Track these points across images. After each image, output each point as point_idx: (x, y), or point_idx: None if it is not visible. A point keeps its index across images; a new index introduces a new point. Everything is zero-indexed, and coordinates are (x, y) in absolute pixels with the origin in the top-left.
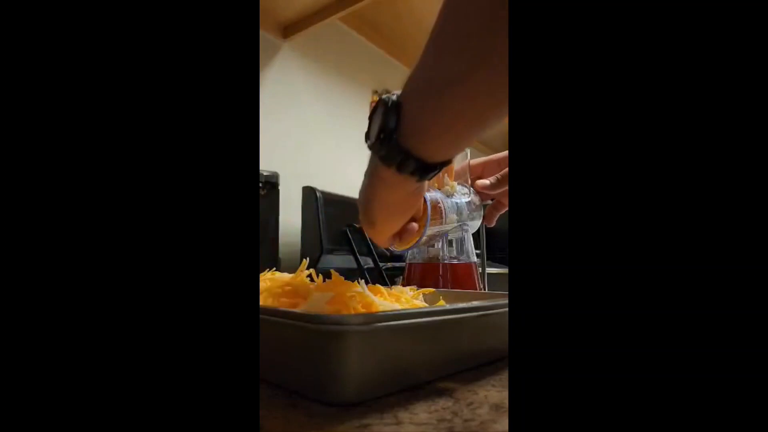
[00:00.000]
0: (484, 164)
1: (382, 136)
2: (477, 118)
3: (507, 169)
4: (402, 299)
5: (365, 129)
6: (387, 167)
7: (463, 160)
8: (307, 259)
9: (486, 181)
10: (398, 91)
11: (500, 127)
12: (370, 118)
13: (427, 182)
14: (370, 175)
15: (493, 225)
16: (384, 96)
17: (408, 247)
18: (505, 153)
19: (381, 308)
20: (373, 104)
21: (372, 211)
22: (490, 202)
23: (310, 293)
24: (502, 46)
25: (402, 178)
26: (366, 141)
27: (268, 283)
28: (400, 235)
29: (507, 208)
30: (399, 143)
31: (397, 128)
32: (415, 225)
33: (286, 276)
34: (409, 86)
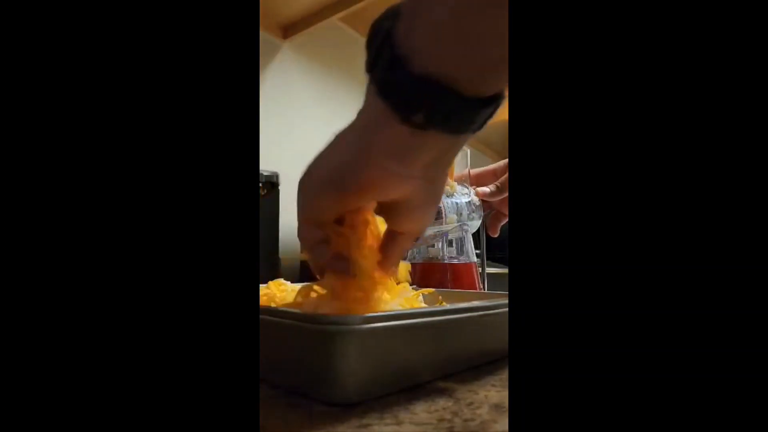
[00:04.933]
0: (480, 174)
1: (383, 56)
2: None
3: (506, 176)
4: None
5: None
6: (385, 105)
7: (464, 166)
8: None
9: (486, 189)
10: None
11: (500, 127)
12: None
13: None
14: (357, 128)
15: (497, 235)
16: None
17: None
18: (501, 162)
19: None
20: None
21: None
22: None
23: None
24: None
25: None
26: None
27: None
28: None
29: (507, 218)
30: (409, 64)
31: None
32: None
33: (295, 287)
34: None
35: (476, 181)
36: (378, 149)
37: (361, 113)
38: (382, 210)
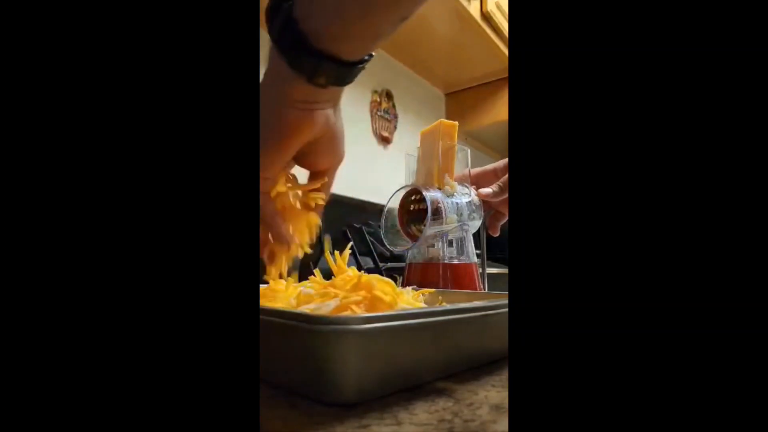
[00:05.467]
0: (481, 174)
1: (283, 30)
2: None
3: (507, 176)
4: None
5: (364, 129)
6: (293, 71)
7: (464, 166)
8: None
9: (488, 190)
10: None
11: (500, 128)
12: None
13: (333, 101)
14: (266, 85)
15: (497, 234)
16: None
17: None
18: (502, 161)
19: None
20: (374, 104)
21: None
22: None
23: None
24: None
25: (300, 83)
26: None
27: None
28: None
29: (507, 218)
30: (309, 43)
31: (297, 17)
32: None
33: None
34: None
35: (477, 180)
36: (294, 97)
37: (270, 73)
38: (303, 160)
